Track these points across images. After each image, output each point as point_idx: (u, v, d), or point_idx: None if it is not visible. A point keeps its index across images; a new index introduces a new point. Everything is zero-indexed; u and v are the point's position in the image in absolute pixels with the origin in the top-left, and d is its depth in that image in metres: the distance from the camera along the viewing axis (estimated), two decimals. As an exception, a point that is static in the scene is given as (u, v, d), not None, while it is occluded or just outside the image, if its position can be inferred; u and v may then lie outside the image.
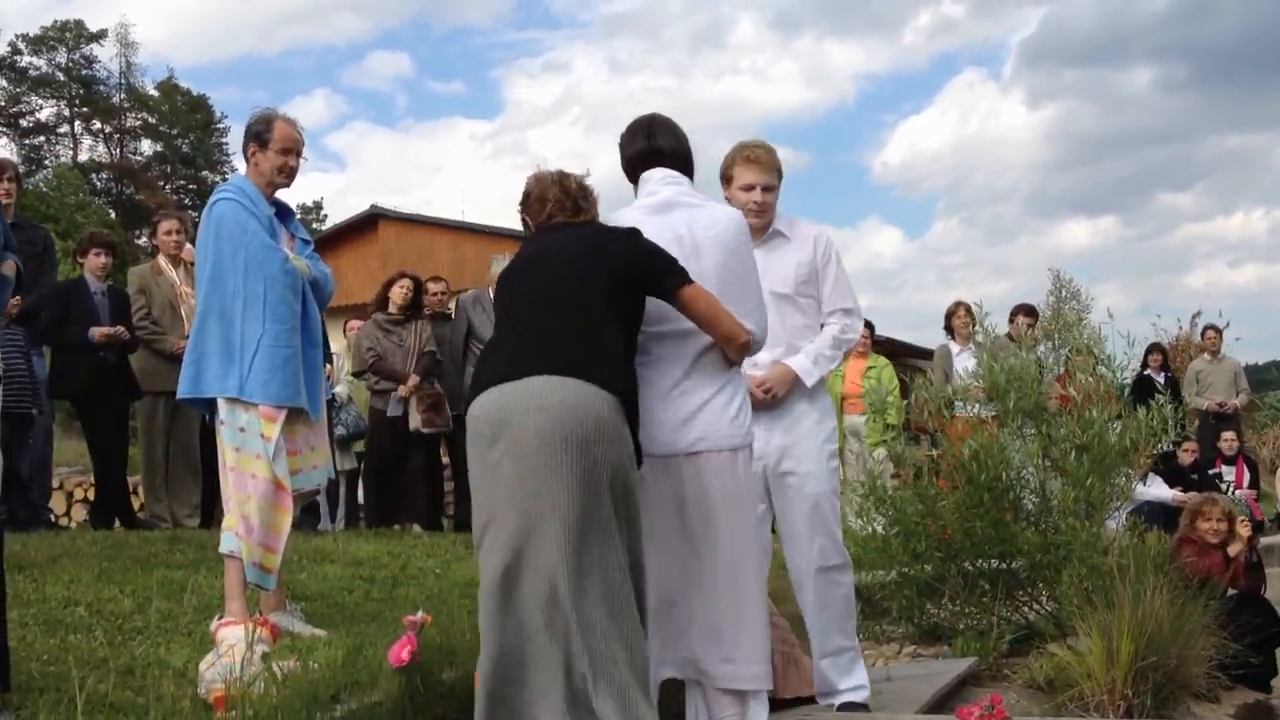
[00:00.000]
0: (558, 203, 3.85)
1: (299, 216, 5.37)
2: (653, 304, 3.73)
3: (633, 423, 3.52)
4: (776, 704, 4.42)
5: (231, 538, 4.65)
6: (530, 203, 3.93)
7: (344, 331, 10.82)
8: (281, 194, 4.97)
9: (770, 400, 4.41)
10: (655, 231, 3.77)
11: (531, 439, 3.33)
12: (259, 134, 4.82)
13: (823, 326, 4.61)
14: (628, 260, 3.67)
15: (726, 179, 4.62)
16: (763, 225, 4.57)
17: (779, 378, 4.43)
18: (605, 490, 3.36)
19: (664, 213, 3.89)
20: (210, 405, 4.75)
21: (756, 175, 4.53)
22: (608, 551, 3.35)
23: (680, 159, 4.05)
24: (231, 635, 4.41)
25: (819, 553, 4.47)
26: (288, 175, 4.87)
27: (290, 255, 4.78)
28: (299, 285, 4.76)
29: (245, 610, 4.59)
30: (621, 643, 3.32)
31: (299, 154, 4.89)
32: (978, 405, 6.99)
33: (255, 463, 4.63)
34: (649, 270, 3.68)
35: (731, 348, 3.79)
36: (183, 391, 4.74)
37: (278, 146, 4.81)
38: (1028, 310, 9.84)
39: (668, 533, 3.73)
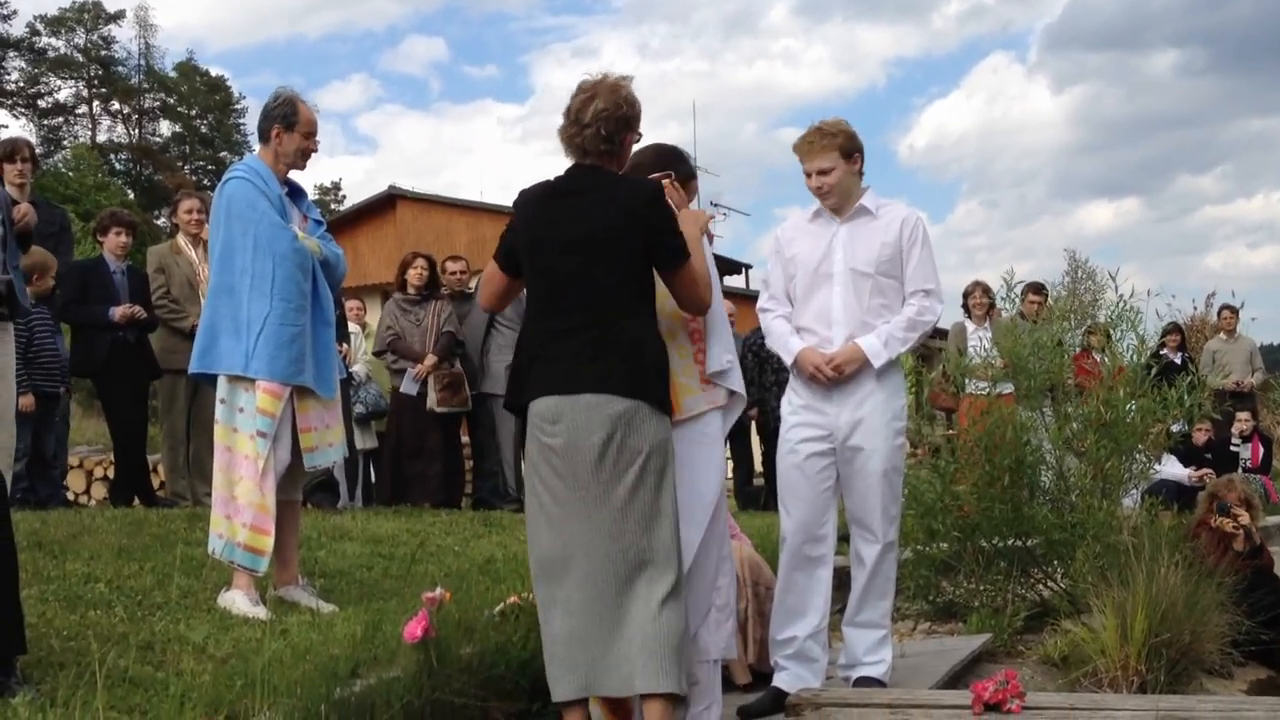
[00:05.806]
0: (596, 135, 3.68)
1: (316, 197, 5.41)
2: None
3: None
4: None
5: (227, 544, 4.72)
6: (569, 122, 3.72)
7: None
8: (295, 174, 5.02)
9: (839, 377, 4.49)
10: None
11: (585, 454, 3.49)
12: (284, 116, 4.87)
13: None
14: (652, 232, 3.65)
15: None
16: (838, 205, 4.61)
17: (848, 356, 4.50)
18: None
19: None
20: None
21: (809, 161, 4.58)
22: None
23: None
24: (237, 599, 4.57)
25: (877, 526, 4.56)
26: (306, 157, 4.94)
27: (300, 234, 4.81)
28: (308, 264, 4.79)
29: (251, 584, 4.67)
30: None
31: (317, 138, 4.98)
32: (992, 383, 6.97)
33: (248, 444, 4.67)
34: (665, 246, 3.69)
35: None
36: (194, 367, 4.81)
37: (303, 130, 4.89)
38: (1036, 289, 9.77)
39: None
